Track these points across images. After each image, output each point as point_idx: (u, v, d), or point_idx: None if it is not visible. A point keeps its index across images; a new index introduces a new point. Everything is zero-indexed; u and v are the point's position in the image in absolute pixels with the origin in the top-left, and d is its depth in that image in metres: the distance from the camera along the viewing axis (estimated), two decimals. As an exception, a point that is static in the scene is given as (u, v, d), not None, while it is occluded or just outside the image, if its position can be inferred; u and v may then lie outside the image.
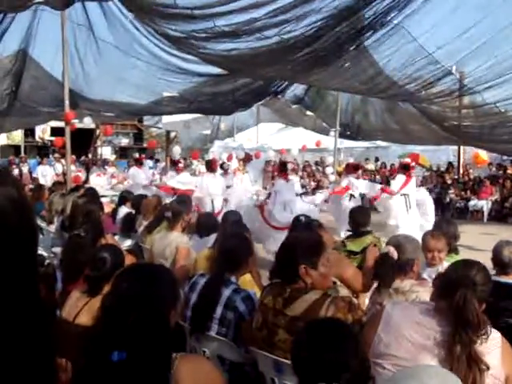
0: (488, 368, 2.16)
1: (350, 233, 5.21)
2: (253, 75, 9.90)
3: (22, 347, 0.90)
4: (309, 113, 17.26)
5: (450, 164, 20.01)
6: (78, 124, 14.85)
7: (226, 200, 11.29)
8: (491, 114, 9.63)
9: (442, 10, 6.29)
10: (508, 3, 6.00)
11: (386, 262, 3.24)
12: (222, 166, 13.54)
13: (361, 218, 5.12)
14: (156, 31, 7.12)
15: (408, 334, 2.29)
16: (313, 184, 20.36)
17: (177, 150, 15.99)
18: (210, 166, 11.32)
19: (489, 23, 6.50)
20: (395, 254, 3.23)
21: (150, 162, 17.29)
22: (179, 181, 11.10)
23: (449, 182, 18.50)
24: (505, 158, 19.23)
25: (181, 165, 13.05)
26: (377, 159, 22.68)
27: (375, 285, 3.48)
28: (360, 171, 13.50)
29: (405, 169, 10.26)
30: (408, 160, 11.16)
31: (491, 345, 2.23)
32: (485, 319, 2.25)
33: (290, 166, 10.38)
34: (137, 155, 17.30)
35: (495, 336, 2.28)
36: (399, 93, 9.29)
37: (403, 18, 6.11)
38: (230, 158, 15.96)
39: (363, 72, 8.40)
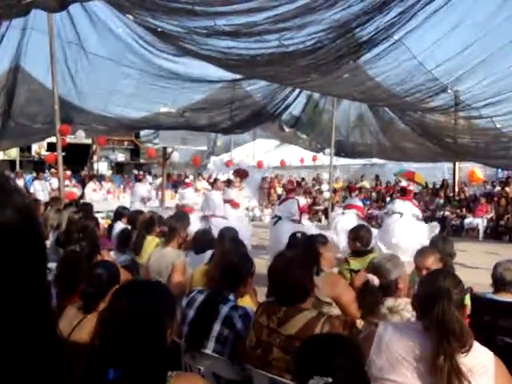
0: (465, 379, 2.13)
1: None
2: (252, 73, 9.91)
3: (35, 367, 0.87)
4: (302, 135, 17.42)
5: (444, 181, 20.09)
6: (71, 139, 14.85)
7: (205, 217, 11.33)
8: (487, 129, 9.73)
9: (441, 27, 6.37)
10: (507, 22, 6.08)
11: (367, 290, 3.20)
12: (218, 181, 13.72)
13: (364, 236, 5.12)
14: (155, 30, 7.14)
15: (399, 355, 2.28)
16: (309, 201, 20.39)
17: (175, 157, 16.09)
18: (214, 185, 11.62)
19: (488, 41, 6.59)
20: (376, 281, 3.19)
21: (149, 178, 17.44)
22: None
23: (443, 199, 18.58)
24: (500, 175, 19.34)
25: (188, 180, 13.37)
26: (377, 177, 22.66)
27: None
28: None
29: (403, 192, 10.49)
30: (405, 184, 11.36)
31: (486, 365, 2.21)
32: (468, 329, 2.25)
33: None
34: (135, 171, 17.56)
35: (489, 356, 2.26)
36: (398, 103, 9.39)
37: (404, 33, 6.20)
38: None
39: (362, 83, 8.48)
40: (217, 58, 7.98)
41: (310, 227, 10.02)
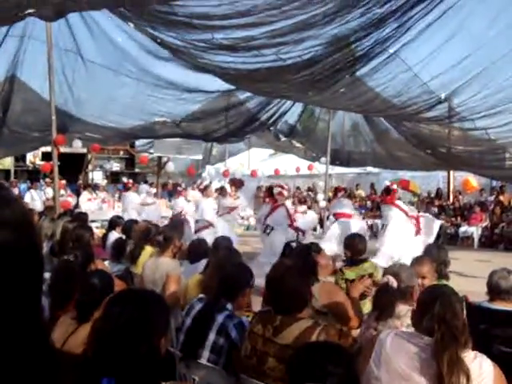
0: (468, 376, 2.14)
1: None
2: (249, 88, 9.98)
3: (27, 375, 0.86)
4: (298, 144, 17.44)
5: (438, 190, 20.14)
6: (67, 148, 14.83)
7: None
8: (482, 139, 9.77)
9: (436, 41, 6.44)
10: (501, 35, 6.14)
11: (386, 291, 3.23)
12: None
13: (358, 245, 5.12)
14: (155, 40, 7.18)
15: (398, 366, 2.27)
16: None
17: (170, 167, 16.07)
18: (205, 193, 11.56)
19: (482, 55, 6.64)
20: (395, 283, 3.23)
21: (146, 187, 17.23)
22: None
23: (438, 208, 18.62)
24: (494, 184, 19.39)
25: (180, 188, 13.30)
26: (372, 185, 22.68)
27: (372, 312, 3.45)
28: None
29: (387, 193, 10.36)
30: (389, 183, 11.21)
31: (486, 374, 2.21)
32: (465, 322, 2.27)
33: (275, 191, 10.33)
34: (124, 179, 17.39)
35: (489, 364, 2.25)
36: (395, 114, 9.45)
37: (400, 46, 6.25)
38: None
39: (359, 96, 8.54)
40: (215, 72, 8.04)
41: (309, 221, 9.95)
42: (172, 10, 5.94)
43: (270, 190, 10.75)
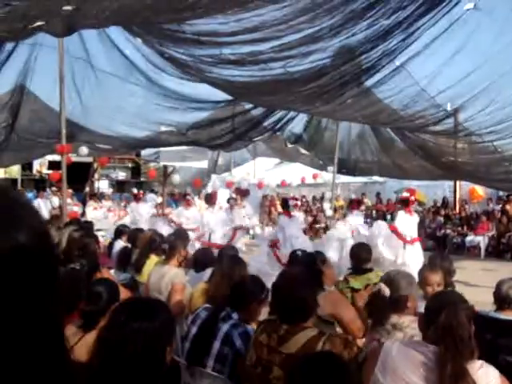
0: None
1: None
2: (256, 102, 10.03)
3: None
4: (304, 151, 17.46)
5: (444, 199, 20.09)
6: (74, 157, 14.90)
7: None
8: (488, 152, 9.76)
9: (443, 54, 6.44)
10: (507, 49, 6.14)
11: (377, 299, 3.21)
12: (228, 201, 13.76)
13: (363, 254, 5.11)
14: (162, 55, 7.25)
15: (405, 375, 2.26)
16: (310, 219, 20.35)
17: (175, 179, 16.09)
18: (210, 201, 11.49)
19: (488, 69, 6.63)
20: (387, 291, 3.20)
21: (154, 196, 17.08)
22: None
23: (444, 217, 18.56)
24: (501, 193, 19.32)
25: (189, 197, 13.27)
26: (378, 194, 22.65)
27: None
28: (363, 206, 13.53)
29: (404, 204, 10.27)
30: (407, 194, 11.10)
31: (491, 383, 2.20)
32: (472, 332, 2.24)
33: (291, 203, 10.42)
34: (135, 190, 17.38)
35: (495, 374, 2.25)
36: (402, 126, 9.46)
37: (406, 59, 6.28)
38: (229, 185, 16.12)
39: (366, 108, 8.56)
40: (223, 86, 8.09)
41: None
42: (180, 29, 6.01)
43: (285, 202, 10.81)
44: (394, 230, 9.79)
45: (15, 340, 0.78)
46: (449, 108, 8.04)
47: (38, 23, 5.24)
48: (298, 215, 10.54)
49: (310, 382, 1.72)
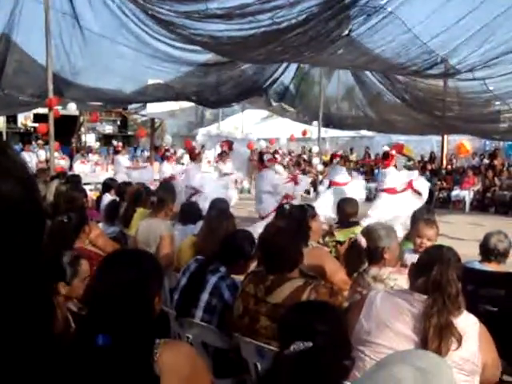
0: (460, 340, 2.20)
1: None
2: (244, 58, 9.87)
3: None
4: (290, 108, 17.33)
5: (432, 154, 20.15)
6: (61, 111, 14.67)
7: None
8: (479, 92, 9.75)
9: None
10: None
11: (353, 249, 3.27)
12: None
13: (349, 208, 5.16)
14: (147, 12, 7.06)
15: (389, 321, 2.33)
16: (298, 173, 20.34)
17: (168, 140, 16.01)
18: (193, 156, 11.46)
19: (483, 11, 6.54)
20: (363, 242, 3.25)
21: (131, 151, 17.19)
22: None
23: (431, 172, 18.67)
24: (487, 148, 19.41)
25: (168, 153, 13.20)
26: (366, 149, 22.60)
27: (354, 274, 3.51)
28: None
29: (385, 156, 10.36)
30: (388, 149, 11.17)
31: (470, 330, 2.28)
32: (460, 289, 2.31)
33: (265, 157, 10.31)
34: (119, 143, 17.24)
35: (474, 321, 2.33)
36: (393, 71, 9.40)
37: (398, 4, 6.16)
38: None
39: (357, 58, 8.47)
40: (208, 43, 7.92)
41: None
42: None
43: (260, 156, 10.71)
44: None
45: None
46: (443, 59, 7.95)
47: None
48: (277, 169, 10.38)
49: (301, 329, 1.76)
